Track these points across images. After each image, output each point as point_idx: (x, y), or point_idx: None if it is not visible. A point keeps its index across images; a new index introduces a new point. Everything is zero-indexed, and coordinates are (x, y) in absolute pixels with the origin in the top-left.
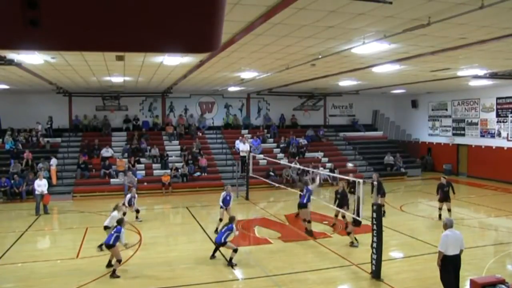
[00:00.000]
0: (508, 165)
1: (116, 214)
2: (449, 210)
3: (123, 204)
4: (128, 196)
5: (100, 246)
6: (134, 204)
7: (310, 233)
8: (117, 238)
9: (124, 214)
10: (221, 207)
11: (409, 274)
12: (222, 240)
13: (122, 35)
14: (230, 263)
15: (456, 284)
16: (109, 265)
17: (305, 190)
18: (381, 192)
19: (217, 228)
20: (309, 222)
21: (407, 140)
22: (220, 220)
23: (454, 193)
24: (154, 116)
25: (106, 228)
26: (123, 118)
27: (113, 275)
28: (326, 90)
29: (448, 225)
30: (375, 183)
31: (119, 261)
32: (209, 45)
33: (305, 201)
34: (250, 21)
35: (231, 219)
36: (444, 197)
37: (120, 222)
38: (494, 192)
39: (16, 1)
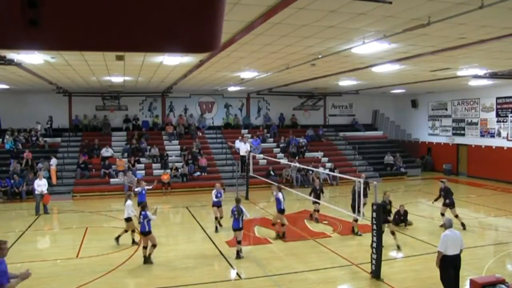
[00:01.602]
0: (508, 165)
1: (130, 203)
2: (456, 216)
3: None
4: (138, 190)
5: (134, 242)
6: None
7: (283, 235)
8: (149, 223)
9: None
10: (213, 205)
11: (409, 274)
12: (241, 225)
13: (122, 35)
14: (238, 256)
15: (456, 284)
16: (146, 261)
17: (281, 195)
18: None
19: (216, 227)
20: (283, 225)
21: (407, 140)
22: (216, 218)
23: (448, 200)
24: (154, 116)
25: (127, 220)
26: (123, 118)
27: (148, 260)
28: (326, 90)
29: (447, 225)
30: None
31: (154, 245)
32: (209, 45)
33: (282, 207)
34: (250, 20)
35: (238, 201)
36: (445, 202)
37: (143, 207)
38: (494, 192)
39: (16, 1)
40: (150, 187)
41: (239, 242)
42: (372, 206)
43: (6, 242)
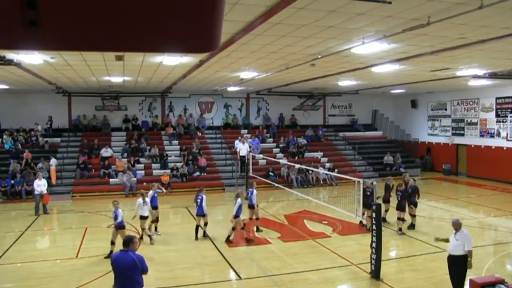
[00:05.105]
0: (507, 165)
1: (141, 201)
2: (413, 216)
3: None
4: (151, 193)
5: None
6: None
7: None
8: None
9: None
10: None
11: (409, 274)
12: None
13: (122, 35)
14: (228, 240)
15: (461, 283)
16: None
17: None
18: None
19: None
20: (243, 228)
21: (406, 140)
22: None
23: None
24: (154, 116)
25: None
26: (123, 118)
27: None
28: (326, 90)
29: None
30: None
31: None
32: (209, 45)
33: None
34: (250, 21)
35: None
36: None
37: (200, 191)
38: (493, 192)
39: (16, 1)
40: (161, 191)
41: (233, 229)
42: (372, 206)
43: (136, 237)
